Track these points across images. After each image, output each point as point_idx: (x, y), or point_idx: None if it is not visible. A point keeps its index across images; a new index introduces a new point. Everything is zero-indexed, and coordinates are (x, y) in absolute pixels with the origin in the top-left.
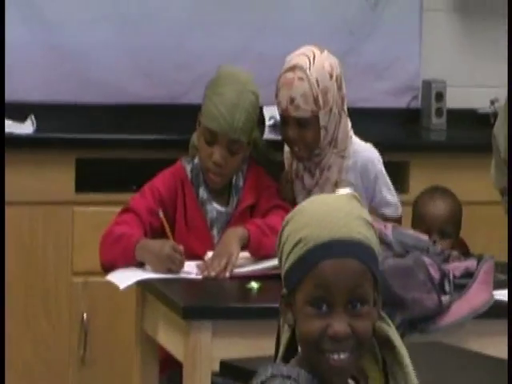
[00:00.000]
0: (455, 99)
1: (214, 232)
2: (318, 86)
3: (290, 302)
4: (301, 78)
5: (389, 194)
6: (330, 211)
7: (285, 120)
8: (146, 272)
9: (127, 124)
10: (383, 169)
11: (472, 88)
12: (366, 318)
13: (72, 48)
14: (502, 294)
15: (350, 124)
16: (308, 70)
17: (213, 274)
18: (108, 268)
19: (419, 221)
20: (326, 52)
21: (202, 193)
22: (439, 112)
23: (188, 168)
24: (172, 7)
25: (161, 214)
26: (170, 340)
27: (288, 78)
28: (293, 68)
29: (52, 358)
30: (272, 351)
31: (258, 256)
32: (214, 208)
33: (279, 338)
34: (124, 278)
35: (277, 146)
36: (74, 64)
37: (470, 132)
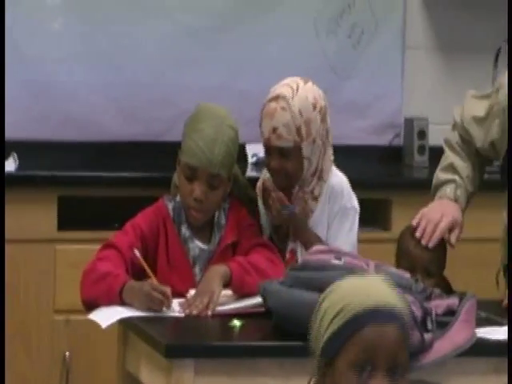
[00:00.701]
0: (437, 137)
1: (197, 270)
2: (301, 116)
3: (325, 372)
4: (283, 108)
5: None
6: (370, 282)
7: (267, 150)
8: (128, 310)
9: (109, 162)
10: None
11: None
12: None
13: (51, 85)
14: (484, 332)
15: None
16: (291, 100)
17: (195, 312)
18: (89, 305)
19: (403, 258)
20: (310, 83)
21: (185, 231)
22: (421, 149)
23: (170, 206)
24: (149, 43)
25: (137, 253)
26: (152, 379)
27: (271, 107)
28: (276, 98)
29: None
30: None
31: (241, 294)
32: (196, 246)
33: None
34: (106, 316)
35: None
36: (53, 101)
37: None
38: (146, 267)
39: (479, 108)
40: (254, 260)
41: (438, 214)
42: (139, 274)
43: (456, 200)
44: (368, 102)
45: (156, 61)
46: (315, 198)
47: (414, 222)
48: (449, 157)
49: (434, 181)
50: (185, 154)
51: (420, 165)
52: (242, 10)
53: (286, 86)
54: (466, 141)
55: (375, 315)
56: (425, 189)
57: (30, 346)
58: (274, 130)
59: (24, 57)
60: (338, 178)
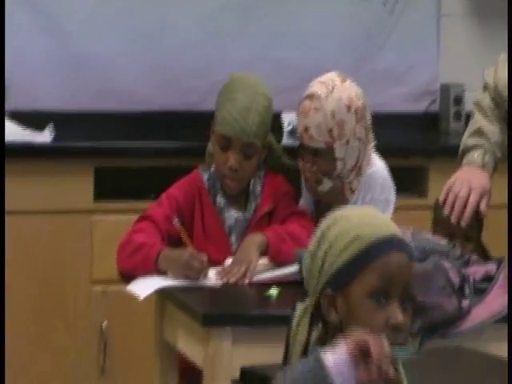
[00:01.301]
0: None
1: (233, 239)
2: (334, 118)
3: (333, 301)
4: (316, 109)
5: None
6: (377, 214)
7: (300, 147)
8: (165, 279)
9: (145, 132)
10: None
11: None
12: (409, 315)
13: (89, 57)
14: None
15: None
16: (324, 101)
17: (232, 280)
18: (126, 276)
19: (441, 225)
20: (348, 82)
21: (220, 200)
22: (457, 116)
23: (205, 176)
24: (185, 16)
25: (176, 222)
26: (189, 348)
27: (305, 106)
28: (310, 96)
29: (71, 368)
30: None
31: (278, 262)
32: (232, 215)
33: (288, 344)
34: (143, 287)
35: (295, 151)
36: (90, 73)
37: None
38: (184, 236)
39: None
40: (290, 229)
41: (466, 187)
42: (175, 246)
43: (484, 166)
44: (404, 69)
45: (192, 33)
46: (353, 191)
47: (441, 198)
48: (478, 121)
49: (462, 146)
50: (219, 123)
51: (456, 131)
52: None
53: (321, 85)
54: (498, 104)
55: (393, 243)
56: None
57: (67, 317)
58: (306, 129)
59: (60, 29)
60: (375, 169)
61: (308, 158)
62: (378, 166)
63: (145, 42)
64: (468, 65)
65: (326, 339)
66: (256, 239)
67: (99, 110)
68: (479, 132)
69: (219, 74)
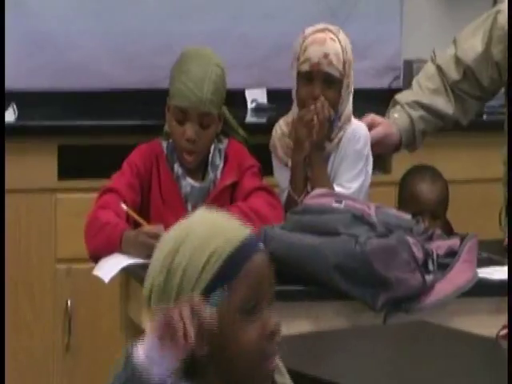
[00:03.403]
0: None
1: (189, 207)
2: (346, 53)
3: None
4: (333, 39)
5: (350, 180)
6: (223, 219)
7: (311, 77)
8: (127, 258)
9: (108, 110)
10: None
11: None
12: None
13: (51, 35)
14: (485, 272)
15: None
16: (338, 34)
17: None
18: (94, 256)
19: (409, 201)
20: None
21: (177, 168)
22: None
23: (164, 144)
24: None
25: (124, 207)
26: None
27: (319, 36)
28: (323, 30)
29: (36, 346)
30: None
31: None
32: (189, 183)
33: None
34: (107, 270)
35: (259, 129)
36: (53, 51)
37: None
38: (135, 217)
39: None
40: (254, 205)
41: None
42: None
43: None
44: (367, 44)
45: (155, 8)
46: (330, 140)
47: None
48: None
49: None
50: (174, 96)
51: None
52: None
53: (326, 25)
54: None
55: (249, 248)
56: None
57: (32, 296)
58: (326, 55)
59: (22, 7)
60: (358, 124)
61: (319, 89)
62: (359, 123)
63: (106, 19)
64: (431, 40)
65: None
66: None
67: (62, 88)
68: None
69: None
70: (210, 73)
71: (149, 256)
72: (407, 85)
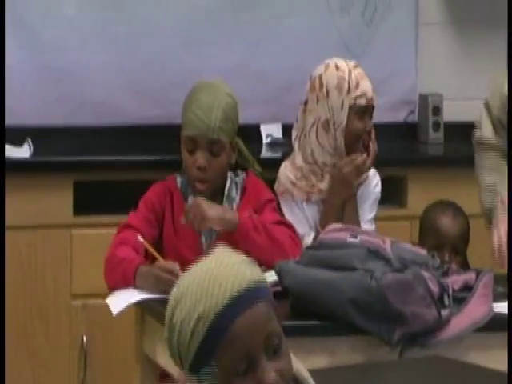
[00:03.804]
0: (452, 112)
1: (203, 239)
2: None
3: None
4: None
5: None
6: (214, 271)
7: (362, 111)
8: (140, 293)
9: (124, 145)
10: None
11: (469, 101)
12: (286, 353)
13: (67, 70)
14: (501, 307)
15: None
16: None
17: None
18: (112, 291)
19: (431, 234)
20: None
21: (190, 200)
22: (436, 126)
23: (179, 179)
24: (165, 26)
25: (141, 239)
26: (169, 361)
27: (361, 72)
28: (356, 65)
29: (52, 381)
30: None
31: (243, 249)
32: None
33: None
34: (118, 302)
35: (275, 164)
36: (69, 86)
37: (467, 145)
38: (151, 250)
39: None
40: (272, 228)
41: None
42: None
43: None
44: (382, 79)
45: (171, 42)
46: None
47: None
48: (485, 176)
49: (482, 208)
50: (185, 127)
51: (435, 141)
52: None
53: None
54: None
55: (234, 308)
56: (440, 165)
57: (48, 331)
58: (373, 90)
59: (38, 42)
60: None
61: (368, 122)
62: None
63: (122, 55)
64: (446, 74)
65: None
66: (227, 212)
67: (78, 124)
68: (494, 190)
69: None
70: (219, 101)
71: (162, 291)
72: (423, 119)
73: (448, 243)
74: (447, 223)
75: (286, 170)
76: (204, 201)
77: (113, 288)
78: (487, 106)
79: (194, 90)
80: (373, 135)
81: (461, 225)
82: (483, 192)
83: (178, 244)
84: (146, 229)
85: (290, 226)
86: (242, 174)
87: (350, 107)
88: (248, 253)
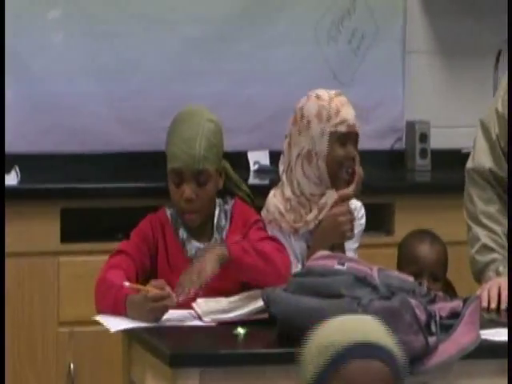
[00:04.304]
0: (439, 140)
1: None
2: None
3: None
4: (348, 102)
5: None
6: (357, 319)
7: (345, 139)
8: (135, 322)
9: (112, 173)
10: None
11: (456, 128)
12: None
13: (55, 99)
14: (488, 334)
15: None
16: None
17: (181, 297)
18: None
19: (408, 263)
20: None
21: (182, 233)
22: (423, 153)
23: (168, 212)
24: (153, 56)
25: (126, 284)
26: None
27: (344, 99)
28: (338, 94)
29: None
30: None
31: (240, 275)
32: (194, 246)
33: None
34: (115, 322)
35: (262, 191)
36: (57, 114)
37: (454, 172)
38: (140, 289)
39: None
40: (258, 245)
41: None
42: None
43: (500, 275)
44: (370, 107)
45: (158, 72)
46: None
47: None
48: (477, 233)
49: (473, 266)
50: (169, 160)
51: (422, 168)
52: (243, 22)
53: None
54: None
55: (356, 351)
56: (427, 192)
57: (35, 358)
58: (356, 117)
59: (26, 70)
60: (355, 201)
61: (352, 150)
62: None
63: (109, 82)
64: (433, 102)
65: None
66: (215, 250)
67: (65, 151)
68: (486, 248)
69: None
70: (202, 129)
71: (157, 319)
72: (410, 146)
73: (426, 270)
74: (424, 251)
75: (275, 200)
76: (190, 268)
77: (102, 312)
78: (483, 126)
79: (175, 121)
80: (357, 162)
81: (437, 251)
82: (475, 244)
83: (170, 275)
84: (138, 256)
85: (275, 240)
86: (230, 202)
87: (331, 134)
88: (239, 276)
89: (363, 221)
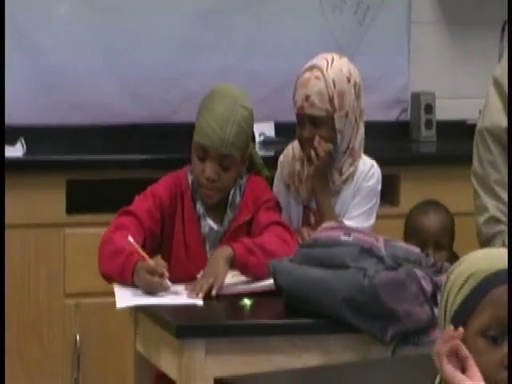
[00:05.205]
0: (444, 111)
1: (207, 247)
2: (335, 86)
3: None
4: (317, 77)
5: (361, 216)
6: (496, 250)
7: (300, 119)
8: (147, 297)
9: (117, 145)
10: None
11: (461, 99)
12: None
13: (60, 72)
14: None
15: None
16: (325, 70)
17: (200, 295)
18: (106, 278)
19: (413, 234)
20: (345, 58)
21: (199, 207)
22: (429, 124)
23: (189, 178)
24: (157, 29)
25: (131, 240)
26: (163, 359)
27: (305, 77)
28: (311, 68)
29: (45, 381)
30: (266, 367)
31: (248, 275)
32: (208, 224)
33: None
34: (125, 297)
35: (267, 162)
36: (62, 87)
37: (459, 143)
38: (140, 251)
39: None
40: (261, 240)
41: None
42: (158, 241)
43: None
44: (375, 78)
45: (163, 45)
46: (341, 174)
47: None
48: (486, 203)
49: (480, 236)
50: (197, 132)
51: (427, 139)
52: None
53: (321, 59)
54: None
55: (502, 276)
56: (432, 163)
57: (41, 330)
58: (307, 97)
59: (32, 45)
60: (372, 162)
61: (308, 130)
62: (372, 161)
63: (116, 56)
64: (438, 73)
65: None
66: (223, 252)
67: (71, 123)
68: (493, 219)
69: (191, 86)
70: (235, 114)
71: (148, 292)
72: (415, 117)
73: (430, 239)
74: (428, 220)
75: (290, 145)
76: (204, 272)
77: (105, 274)
78: (496, 84)
79: (210, 95)
80: (316, 143)
81: (441, 221)
82: (482, 214)
83: (185, 248)
84: (147, 222)
85: (284, 226)
86: (245, 177)
87: (296, 115)
88: (245, 274)
89: (370, 182)
